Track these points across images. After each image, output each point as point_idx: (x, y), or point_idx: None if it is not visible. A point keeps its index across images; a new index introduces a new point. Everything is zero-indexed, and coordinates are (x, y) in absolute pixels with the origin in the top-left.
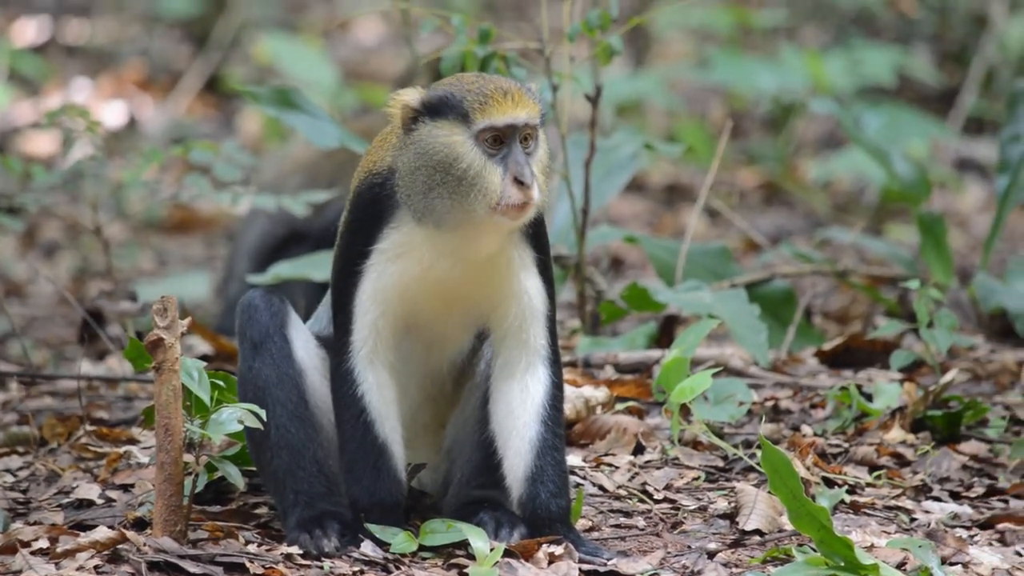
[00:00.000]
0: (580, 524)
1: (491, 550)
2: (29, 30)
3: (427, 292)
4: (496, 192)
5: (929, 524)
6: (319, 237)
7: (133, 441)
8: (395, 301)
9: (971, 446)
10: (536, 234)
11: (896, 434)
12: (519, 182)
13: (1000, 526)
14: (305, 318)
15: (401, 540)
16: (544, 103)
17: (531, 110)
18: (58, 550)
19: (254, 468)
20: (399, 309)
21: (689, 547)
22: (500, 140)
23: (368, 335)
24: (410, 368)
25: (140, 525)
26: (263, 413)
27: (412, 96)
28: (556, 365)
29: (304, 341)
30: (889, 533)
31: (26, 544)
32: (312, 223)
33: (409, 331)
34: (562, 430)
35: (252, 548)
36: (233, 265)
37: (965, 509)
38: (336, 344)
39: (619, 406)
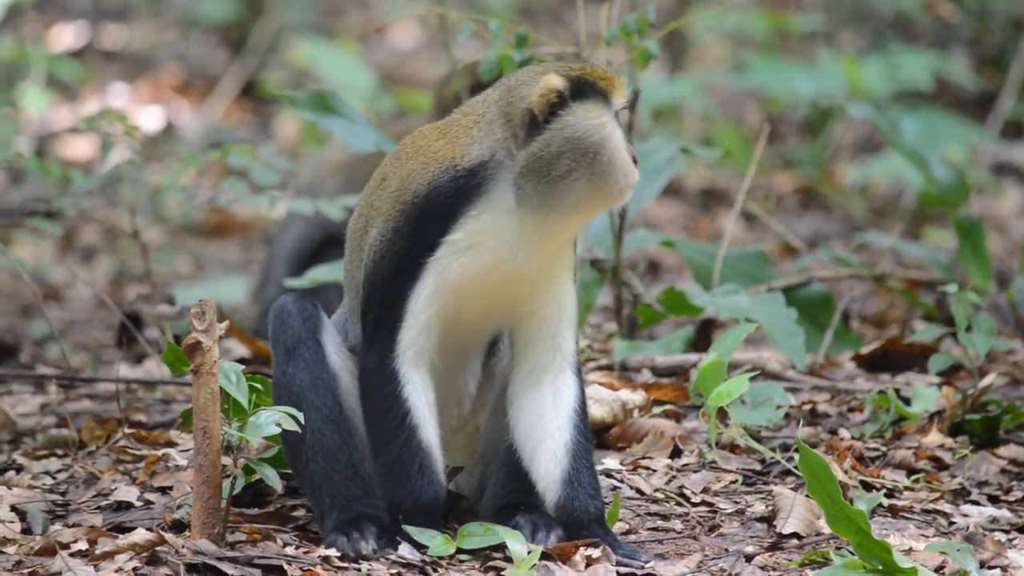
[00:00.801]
0: (617, 527)
1: (528, 553)
2: (67, 35)
3: (484, 288)
4: (633, 170)
5: (967, 528)
6: None
7: (171, 444)
8: (451, 297)
9: (1009, 450)
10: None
11: (934, 438)
12: (634, 159)
13: None
14: None
15: (439, 543)
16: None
17: None
18: (97, 552)
19: (291, 471)
20: (452, 307)
21: (726, 550)
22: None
23: (418, 335)
24: (439, 370)
25: (178, 527)
26: (300, 416)
27: (558, 81)
28: (580, 371)
29: (337, 345)
30: (927, 537)
31: (65, 546)
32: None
33: (450, 331)
34: (591, 434)
35: (290, 550)
36: (270, 269)
37: (1004, 513)
38: (378, 344)
39: (656, 409)
